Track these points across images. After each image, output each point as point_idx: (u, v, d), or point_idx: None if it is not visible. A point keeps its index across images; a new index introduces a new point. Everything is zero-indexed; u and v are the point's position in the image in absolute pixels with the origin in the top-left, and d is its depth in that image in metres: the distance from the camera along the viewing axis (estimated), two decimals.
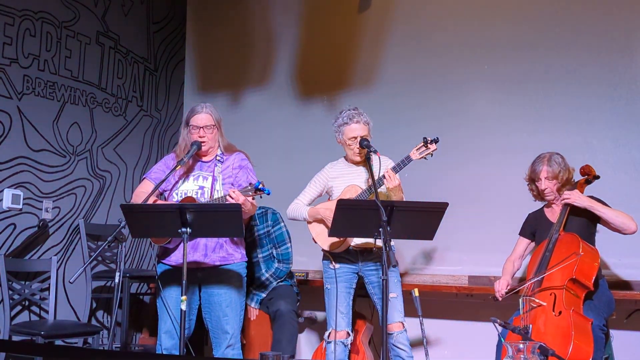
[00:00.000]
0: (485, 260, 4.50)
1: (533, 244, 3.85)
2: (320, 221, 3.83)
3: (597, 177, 3.67)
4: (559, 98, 4.48)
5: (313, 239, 3.88)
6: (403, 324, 3.68)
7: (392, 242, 3.86)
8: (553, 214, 3.71)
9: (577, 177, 3.71)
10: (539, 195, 3.73)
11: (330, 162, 3.98)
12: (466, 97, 4.79)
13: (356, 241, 3.75)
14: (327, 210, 3.73)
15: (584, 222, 3.58)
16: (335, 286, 3.76)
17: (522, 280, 3.87)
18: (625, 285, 4.10)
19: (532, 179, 3.71)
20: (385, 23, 5.18)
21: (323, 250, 3.84)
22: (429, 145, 3.59)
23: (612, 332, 3.74)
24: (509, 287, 3.67)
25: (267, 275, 4.41)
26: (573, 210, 3.59)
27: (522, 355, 2.65)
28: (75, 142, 5.02)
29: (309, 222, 3.87)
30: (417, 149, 3.61)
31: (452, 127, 4.70)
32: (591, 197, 3.61)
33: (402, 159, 3.61)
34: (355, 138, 3.74)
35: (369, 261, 3.79)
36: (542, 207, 3.83)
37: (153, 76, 5.77)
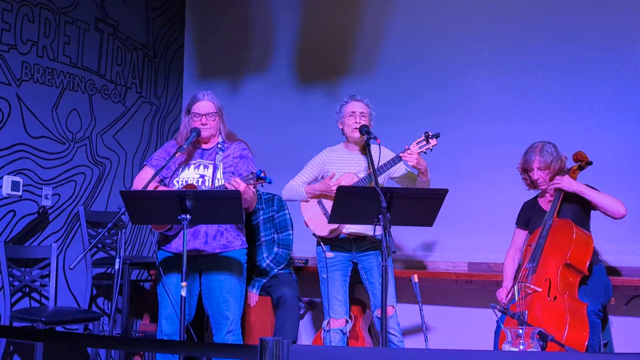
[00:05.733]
0: (485, 247, 4.51)
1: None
2: (318, 196, 3.82)
3: (590, 163, 3.69)
4: (560, 84, 4.47)
5: (305, 223, 3.89)
6: (393, 308, 3.72)
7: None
8: (546, 203, 3.73)
9: (571, 163, 3.72)
10: (532, 184, 3.75)
11: (328, 147, 3.98)
12: (466, 83, 4.77)
13: (349, 229, 3.76)
14: (323, 184, 3.75)
15: (577, 208, 3.61)
16: (330, 275, 3.79)
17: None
18: (624, 271, 4.11)
19: (525, 169, 3.73)
20: (385, 9, 5.15)
21: (315, 235, 3.86)
22: (429, 140, 3.60)
23: (611, 317, 3.75)
24: (509, 296, 3.69)
25: (267, 261, 4.43)
26: (566, 197, 3.61)
27: (521, 341, 2.67)
28: (75, 129, 5.01)
29: (306, 201, 3.88)
30: (417, 143, 3.62)
31: (452, 113, 4.70)
32: (586, 185, 3.62)
33: (401, 151, 3.61)
34: (354, 112, 3.76)
35: (363, 249, 3.80)
36: (536, 196, 3.84)
37: (152, 63, 5.75)
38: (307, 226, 3.89)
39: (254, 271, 4.44)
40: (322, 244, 3.82)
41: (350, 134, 3.81)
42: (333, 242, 3.83)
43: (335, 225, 3.73)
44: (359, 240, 3.80)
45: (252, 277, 4.43)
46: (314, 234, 3.88)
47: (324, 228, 3.77)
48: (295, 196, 3.90)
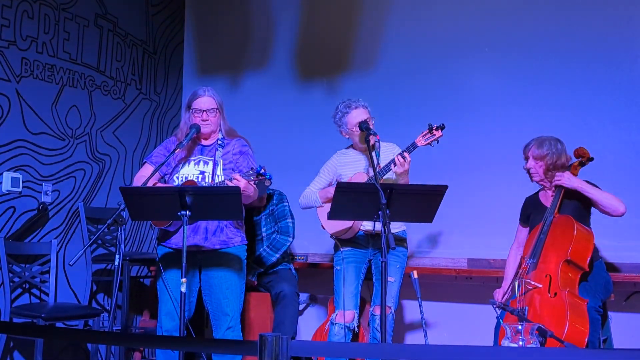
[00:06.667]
0: (485, 243, 4.51)
1: None
2: (330, 200, 3.83)
3: (591, 159, 3.68)
4: (559, 79, 4.47)
5: (322, 225, 3.89)
6: (390, 308, 3.72)
7: (404, 227, 3.90)
8: (547, 199, 3.73)
9: (572, 159, 3.72)
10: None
11: (338, 151, 3.98)
12: (467, 79, 4.77)
13: (366, 226, 3.76)
14: None
15: (578, 204, 3.61)
16: (344, 267, 3.79)
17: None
18: (623, 267, 4.11)
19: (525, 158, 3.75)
20: (385, 4, 5.14)
21: (332, 236, 3.86)
22: (434, 131, 3.58)
23: (611, 313, 3.76)
24: (505, 298, 3.69)
25: (264, 246, 4.42)
26: (567, 194, 3.60)
27: (520, 337, 2.67)
28: (74, 126, 5.01)
29: (321, 206, 3.88)
30: (422, 136, 3.60)
31: (452, 109, 4.70)
32: (586, 181, 3.62)
33: (407, 145, 3.60)
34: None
35: (379, 246, 3.79)
36: (538, 192, 3.84)
37: (152, 59, 5.74)
38: (324, 228, 3.89)
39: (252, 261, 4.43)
40: (339, 244, 3.83)
41: (363, 145, 3.81)
42: (351, 241, 3.84)
43: (349, 223, 3.73)
44: (376, 237, 3.79)
45: (251, 266, 4.42)
46: (331, 236, 3.88)
47: (338, 227, 3.78)
48: (310, 202, 3.93)
